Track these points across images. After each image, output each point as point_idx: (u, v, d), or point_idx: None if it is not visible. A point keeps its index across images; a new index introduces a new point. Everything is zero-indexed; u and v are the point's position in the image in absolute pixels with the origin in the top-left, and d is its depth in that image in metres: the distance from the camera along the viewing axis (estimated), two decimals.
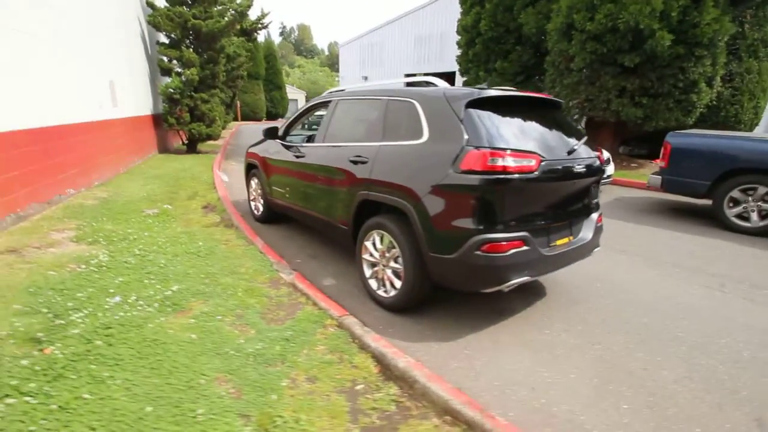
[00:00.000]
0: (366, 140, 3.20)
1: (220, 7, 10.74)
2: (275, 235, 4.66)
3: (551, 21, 9.43)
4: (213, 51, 10.44)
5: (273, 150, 4.60)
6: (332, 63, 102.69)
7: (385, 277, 3.01)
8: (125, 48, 8.51)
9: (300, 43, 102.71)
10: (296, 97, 56.14)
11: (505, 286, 2.52)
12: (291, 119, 4.51)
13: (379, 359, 2.32)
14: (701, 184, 5.53)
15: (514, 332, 2.78)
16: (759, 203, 5.16)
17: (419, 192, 2.63)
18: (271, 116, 36.96)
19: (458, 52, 13.53)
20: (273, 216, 5.04)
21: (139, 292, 2.91)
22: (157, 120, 10.64)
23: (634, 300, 3.26)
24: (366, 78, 27.20)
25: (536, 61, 11.00)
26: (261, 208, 5.12)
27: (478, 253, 2.43)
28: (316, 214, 3.81)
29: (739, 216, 5.31)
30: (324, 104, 4.13)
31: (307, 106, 4.30)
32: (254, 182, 5.22)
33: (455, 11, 19.93)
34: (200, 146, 11.99)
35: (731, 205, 5.36)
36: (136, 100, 9.10)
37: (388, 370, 2.26)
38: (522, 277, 2.53)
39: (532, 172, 2.45)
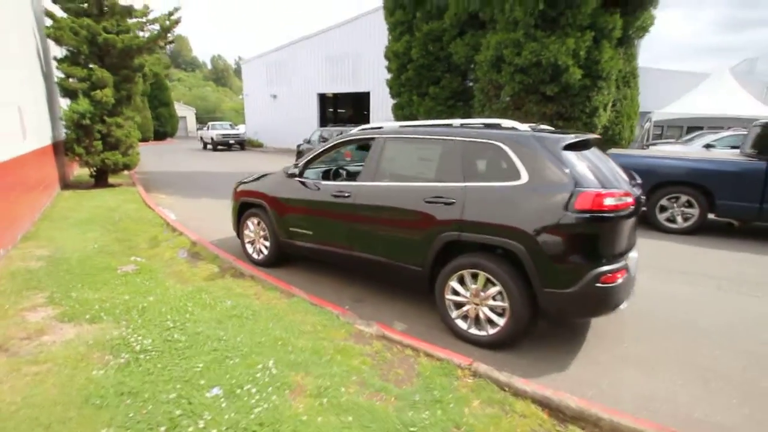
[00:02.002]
0: (443, 181, 3.21)
1: (135, 20, 9.46)
2: (294, 279, 4.29)
3: (481, 53, 10.44)
4: (129, 69, 9.12)
5: (287, 189, 4.27)
6: (217, 77, 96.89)
7: (482, 316, 3.05)
8: (28, 67, 6.95)
9: (177, 55, 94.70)
10: (185, 114, 51.44)
11: (615, 311, 2.80)
12: (311, 157, 4.23)
13: (544, 403, 2.36)
14: None
15: (603, 350, 3.06)
16: (682, 209, 6.45)
17: (531, 232, 2.76)
18: (159, 136, 33.26)
19: (388, 76, 14.04)
20: (279, 259, 4.64)
21: (235, 376, 2.45)
22: (58, 150, 8.84)
23: (670, 305, 3.82)
24: (275, 96, 26.39)
25: (465, 88, 12.02)
26: (264, 251, 4.67)
27: (598, 285, 2.67)
28: (368, 257, 3.65)
29: (668, 219, 6.56)
30: (357, 142, 4.01)
31: (333, 143, 4.10)
32: (251, 223, 4.74)
33: (368, 33, 20.72)
34: (111, 178, 10.28)
35: (661, 211, 6.59)
36: (39, 128, 7.47)
37: (560, 413, 2.31)
38: (626, 300, 2.83)
39: (629, 207, 2.76)
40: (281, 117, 26.07)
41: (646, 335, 3.27)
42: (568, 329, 3.35)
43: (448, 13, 11.08)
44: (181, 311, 3.33)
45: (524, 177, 2.88)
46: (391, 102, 18.84)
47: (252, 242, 4.83)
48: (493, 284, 2.95)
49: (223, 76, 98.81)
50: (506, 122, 3.30)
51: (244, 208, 4.83)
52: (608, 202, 2.67)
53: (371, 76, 20.78)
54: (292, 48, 24.74)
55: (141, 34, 8.93)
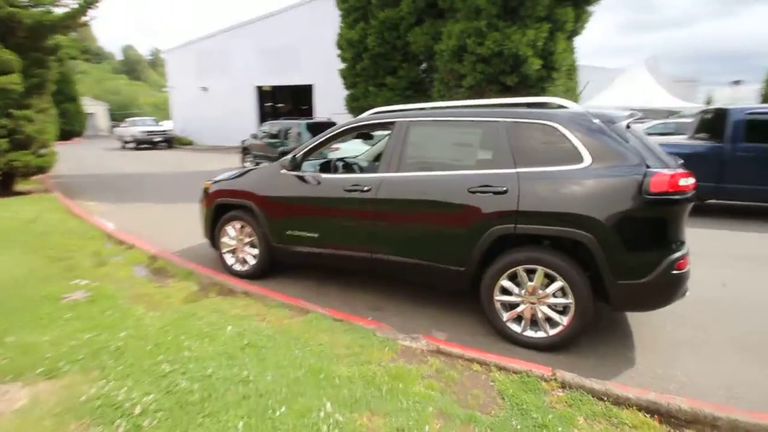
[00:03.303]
0: (488, 167, 2.81)
1: None
2: (292, 291, 3.65)
3: (441, 42, 10.23)
4: (40, 51, 7.53)
5: (283, 185, 3.60)
6: (129, 70, 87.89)
7: (540, 316, 2.73)
8: None
9: (80, 45, 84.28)
10: (94, 111, 45.92)
11: (683, 298, 2.63)
12: (309, 147, 3.59)
13: (652, 409, 2.09)
14: None
15: (652, 336, 2.94)
16: None
17: (602, 219, 2.49)
18: (65, 135, 29.15)
19: (334, 66, 13.41)
20: (269, 268, 3.96)
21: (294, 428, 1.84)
22: None
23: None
24: (206, 89, 24.29)
25: (422, 78, 11.77)
26: (251, 260, 3.95)
27: (673, 272, 2.50)
28: (396, 259, 3.15)
29: None
30: (369, 128, 3.48)
31: (338, 130, 3.51)
32: (232, 229, 3.99)
33: (310, 21, 19.73)
34: (19, 184, 8.48)
35: None
36: None
37: (671, 418, 2.04)
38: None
39: (693, 189, 2.58)
40: (214, 111, 24.02)
41: (681, 317, 3.18)
42: (606, 318, 3.16)
43: (404, 0, 10.71)
44: (173, 348, 2.57)
45: (587, 159, 2.59)
46: (336, 94, 18.19)
47: (233, 251, 4.06)
48: (553, 280, 2.66)
49: (137, 68, 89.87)
50: (554, 100, 2.99)
51: (222, 211, 4.04)
52: (682, 182, 2.49)
53: (314, 67, 19.84)
54: (225, 36, 22.84)
55: (55, 9, 7.39)
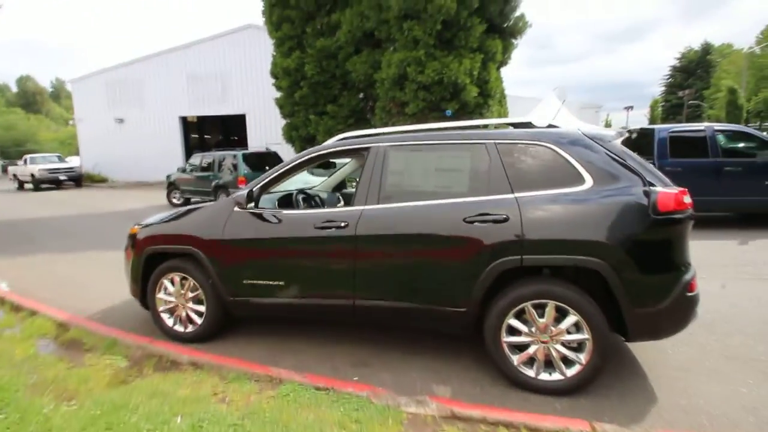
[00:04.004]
0: (482, 194, 2.52)
1: None
2: (251, 353, 3.02)
3: (381, 71, 10.25)
4: None
5: (237, 225, 3.01)
6: (27, 102, 78.85)
7: (554, 355, 2.43)
8: None
9: None
10: None
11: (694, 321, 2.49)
12: (267, 179, 3.06)
13: None
14: None
15: (654, 362, 2.79)
16: None
17: (615, 244, 2.30)
18: None
19: (270, 95, 12.92)
20: (221, 327, 3.29)
21: None
22: None
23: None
24: (121, 121, 22.22)
25: (364, 106, 11.67)
26: (197, 319, 3.24)
27: (687, 294, 2.37)
28: (382, 305, 2.71)
29: None
30: (337, 155, 3.06)
31: (302, 158, 3.03)
32: (171, 283, 3.27)
33: (239, 50, 19.05)
34: None
35: None
36: None
37: None
38: None
39: (692, 207, 2.51)
40: (131, 145, 21.91)
41: (675, 336, 3.09)
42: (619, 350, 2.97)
43: (341, 30, 10.66)
44: None
45: (588, 180, 2.42)
46: (271, 124, 17.58)
47: (173, 310, 3.31)
48: (564, 314, 2.40)
49: (36, 101, 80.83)
50: (538, 119, 2.82)
51: (155, 261, 3.30)
52: (686, 200, 2.40)
53: (246, 96, 19.08)
54: (143, 64, 21.19)
55: None
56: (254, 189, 2.99)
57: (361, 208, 2.73)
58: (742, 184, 6.71)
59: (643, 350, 2.97)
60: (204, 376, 2.65)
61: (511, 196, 2.47)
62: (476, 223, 2.47)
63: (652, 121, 24.93)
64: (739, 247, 5.80)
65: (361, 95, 11.69)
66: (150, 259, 3.32)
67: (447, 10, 9.24)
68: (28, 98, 79.72)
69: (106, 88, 22.19)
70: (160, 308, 3.34)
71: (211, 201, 11.50)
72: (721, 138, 6.91)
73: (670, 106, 51.39)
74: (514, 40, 11.44)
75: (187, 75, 20.28)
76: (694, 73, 52.42)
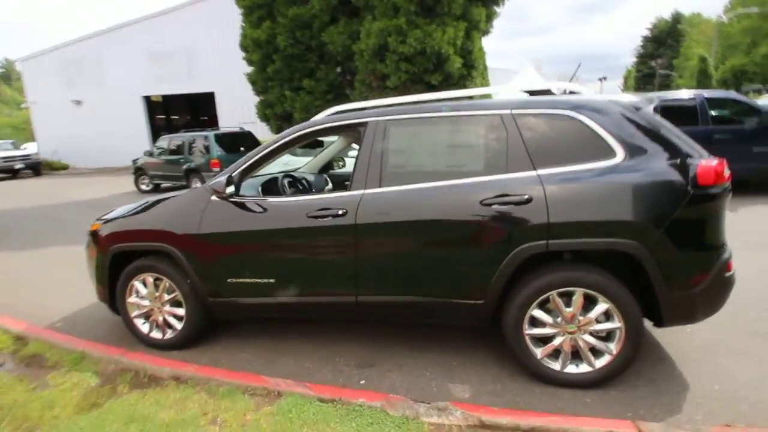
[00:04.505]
0: (499, 171, 2.22)
1: None
2: (245, 360, 2.70)
3: (360, 41, 9.64)
4: None
5: (217, 217, 2.62)
6: None
7: (582, 346, 2.22)
8: None
9: None
10: None
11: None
12: (249, 162, 2.65)
13: None
14: None
15: (676, 342, 2.62)
16: None
17: (651, 223, 2.06)
18: None
19: (241, 70, 12.09)
20: (204, 331, 2.94)
21: None
22: None
23: None
24: (79, 103, 20.69)
25: (342, 80, 11.06)
26: (176, 324, 2.87)
27: (725, 274, 2.17)
28: (389, 300, 2.41)
29: None
30: (328, 132, 2.68)
31: (287, 138, 2.62)
32: (143, 285, 2.87)
33: (204, 22, 17.78)
34: None
35: None
36: None
37: None
38: None
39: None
40: (92, 129, 20.48)
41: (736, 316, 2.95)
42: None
43: None
44: None
45: (619, 153, 2.15)
46: (244, 102, 16.68)
47: (148, 314, 2.93)
48: (593, 302, 2.17)
49: None
50: (562, 85, 2.51)
51: (122, 261, 2.88)
52: (726, 172, 2.16)
53: (215, 72, 17.98)
54: (100, 40, 19.58)
55: None
56: (234, 174, 2.59)
57: (361, 192, 2.38)
58: (731, 150, 6.65)
59: (662, 331, 2.79)
60: (190, 392, 2.31)
61: (533, 173, 2.18)
62: (495, 206, 2.17)
63: (626, 91, 25.05)
64: (733, 216, 5.77)
65: (339, 69, 11.06)
66: (117, 259, 2.89)
67: None
68: None
69: (60, 67, 20.49)
70: (133, 313, 2.95)
71: (183, 186, 10.92)
72: (710, 105, 6.80)
73: (642, 76, 52.13)
74: (496, 8, 10.97)
75: (149, 51, 18.88)
76: (664, 42, 53.12)
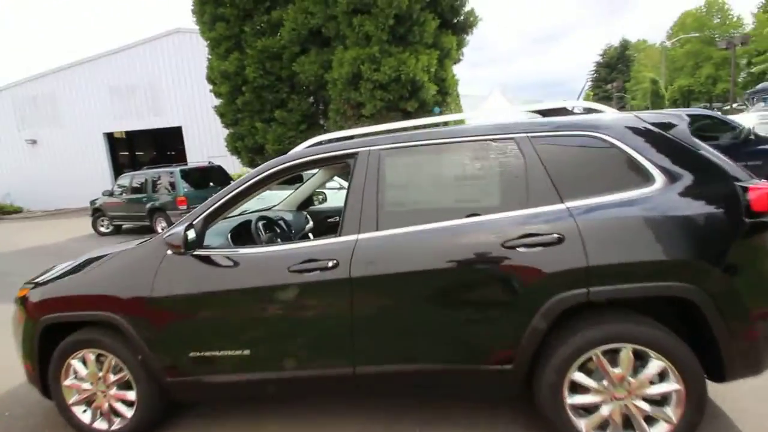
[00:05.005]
0: (522, 206, 1.86)
1: None
2: None
3: (333, 70, 9.45)
4: None
5: (171, 276, 2.12)
6: None
7: (636, 415, 1.82)
8: None
9: None
10: None
11: None
12: (214, 206, 2.18)
13: None
14: None
15: (742, 392, 2.25)
16: None
17: (709, 261, 1.74)
18: None
19: (216, 101, 11.64)
20: (160, 418, 2.37)
21: None
22: None
23: None
24: (34, 142, 19.57)
25: (315, 110, 10.80)
26: (125, 411, 2.28)
27: None
28: (389, 370, 1.95)
29: None
30: (305, 166, 2.26)
31: (256, 177, 2.17)
32: (83, 363, 2.30)
33: (167, 57, 17.32)
34: None
35: None
36: None
37: None
38: None
39: None
40: (49, 169, 19.30)
41: None
42: None
43: (284, 29, 9.72)
44: None
45: (659, 179, 1.84)
46: (212, 135, 16.15)
47: (90, 400, 2.33)
48: (645, 359, 1.79)
49: None
50: (579, 103, 2.21)
51: (55, 334, 2.31)
52: None
53: (180, 106, 17.43)
54: (57, 77, 18.72)
55: None
56: (195, 222, 2.11)
57: (354, 237, 1.95)
58: None
59: None
60: None
61: (560, 206, 1.82)
62: (520, 248, 1.79)
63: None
64: None
65: (312, 98, 10.81)
66: (48, 332, 2.31)
67: (398, 3, 8.64)
68: None
69: (13, 106, 19.41)
70: (71, 400, 2.35)
71: (146, 227, 10.15)
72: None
73: (598, 99, 55.20)
74: (466, 36, 11.12)
75: (109, 86, 18.17)
76: (615, 67, 56.67)
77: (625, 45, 58.32)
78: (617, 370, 1.80)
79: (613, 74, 56.10)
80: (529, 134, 1.93)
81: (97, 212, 11.26)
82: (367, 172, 2.01)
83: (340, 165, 2.26)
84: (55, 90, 18.70)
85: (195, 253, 2.09)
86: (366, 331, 1.93)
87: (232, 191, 2.18)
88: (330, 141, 2.27)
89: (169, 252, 2.09)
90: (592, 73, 59.71)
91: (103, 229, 11.20)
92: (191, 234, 2.04)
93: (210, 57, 10.81)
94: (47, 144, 19.39)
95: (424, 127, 2.29)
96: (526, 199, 1.86)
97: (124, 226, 11.05)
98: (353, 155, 2.08)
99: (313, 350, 2.02)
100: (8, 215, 18.93)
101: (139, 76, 17.70)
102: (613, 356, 1.80)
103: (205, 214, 2.15)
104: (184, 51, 16.36)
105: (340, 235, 1.97)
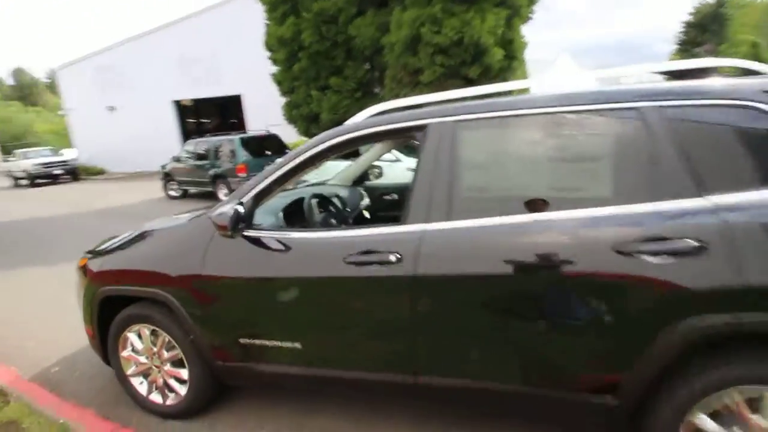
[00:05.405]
0: (642, 198, 1.44)
1: None
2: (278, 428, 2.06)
3: (391, 34, 8.93)
4: None
5: (218, 256, 1.98)
6: (23, 95, 77.69)
7: None
8: None
9: None
10: None
11: None
12: (266, 182, 1.98)
13: None
14: None
15: None
16: None
17: None
18: None
19: (267, 70, 11.63)
20: (213, 398, 2.32)
21: None
22: None
23: None
24: (113, 108, 21.01)
25: (371, 77, 10.41)
26: (179, 389, 2.26)
27: None
28: (467, 384, 1.69)
29: None
30: (368, 139, 1.97)
31: (316, 149, 1.92)
32: (137, 337, 2.29)
33: (229, 25, 17.54)
34: None
35: None
36: None
37: None
38: None
39: None
40: (126, 134, 20.78)
41: None
42: None
43: None
44: None
45: None
46: (271, 104, 16.31)
47: (147, 373, 2.34)
48: None
49: (32, 92, 79.58)
50: (725, 61, 1.70)
51: (114, 306, 2.30)
52: None
53: (241, 75, 17.71)
54: (129, 47, 19.78)
55: None
56: (245, 200, 1.93)
57: (420, 228, 1.66)
58: None
59: None
60: None
61: (700, 202, 1.38)
62: (642, 256, 1.39)
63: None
64: None
65: (368, 65, 10.40)
66: (106, 304, 2.32)
67: None
68: (24, 90, 78.32)
69: (94, 74, 20.90)
70: (128, 371, 2.37)
71: (210, 193, 10.58)
72: None
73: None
74: None
75: (178, 55, 18.86)
76: (708, 28, 49.35)
77: (721, 2, 50.46)
78: (757, 419, 1.39)
79: (705, 35, 49.01)
80: (658, 102, 1.48)
81: (167, 177, 11.91)
82: (438, 149, 1.68)
83: (405, 139, 1.95)
84: (128, 59, 19.79)
85: (244, 233, 1.92)
86: (432, 337, 1.67)
87: (285, 166, 1.97)
88: (393, 110, 1.95)
89: (218, 233, 1.94)
90: (680, 34, 52.59)
91: (172, 193, 11.87)
92: (241, 210, 1.85)
93: (268, 22, 10.69)
94: (124, 110, 20.78)
95: (499, 94, 1.89)
96: (650, 190, 1.44)
97: (190, 191, 11.61)
98: (422, 127, 1.75)
99: (370, 352, 1.82)
100: (92, 176, 20.84)
101: (202, 45, 18.15)
102: (755, 401, 1.39)
103: (255, 191, 1.96)
104: (243, 18, 16.39)
105: (404, 224, 1.69)
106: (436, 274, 1.60)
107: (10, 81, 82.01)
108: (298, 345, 1.88)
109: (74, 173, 19.75)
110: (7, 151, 40.58)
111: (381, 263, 1.66)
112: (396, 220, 1.79)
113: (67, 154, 22.08)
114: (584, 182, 1.61)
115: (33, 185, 18.43)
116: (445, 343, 1.66)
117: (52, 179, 19.09)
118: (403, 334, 1.70)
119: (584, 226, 1.47)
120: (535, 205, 1.54)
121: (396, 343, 1.73)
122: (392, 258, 1.64)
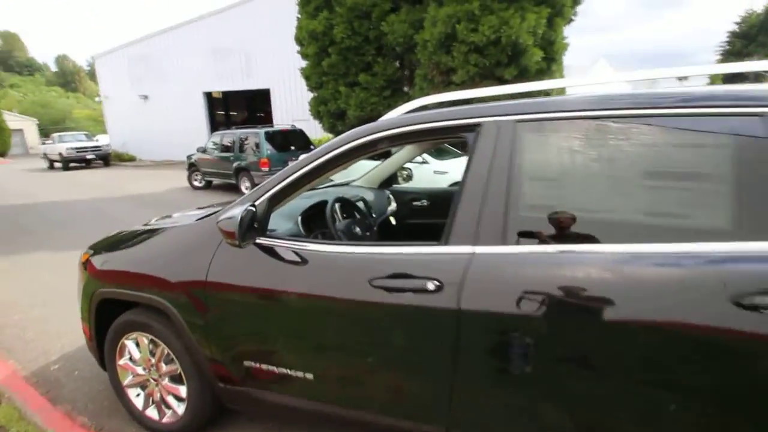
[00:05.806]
0: None
1: None
2: None
3: (425, 30, 8.60)
4: None
5: (227, 263, 1.72)
6: (65, 81, 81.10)
7: None
8: None
9: (8, 56, 76.61)
10: (21, 127, 41.34)
11: None
12: (281, 184, 1.71)
13: None
14: None
15: None
16: None
17: None
18: None
19: (296, 65, 11.51)
20: (211, 418, 2.06)
21: None
22: None
23: None
24: (146, 98, 21.46)
25: (401, 75, 10.10)
26: (176, 406, 2.02)
27: None
28: None
29: None
30: (404, 138, 1.67)
31: (342, 147, 1.64)
32: (135, 345, 2.06)
33: (261, 18, 17.57)
34: None
35: None
36: None
37: None
38: None
39: None
40: (157, 123, 21.22)
41: None
42: None
43: None
44: None
45: None
46: (298, 99, 16.22)
47: (144, 385, 2.11)
48: None
49: (74, 79, 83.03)
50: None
51: (112, 310, 2.08)
52: None
53: (270, 69, 17.73)
54: (164, 37, 20.14)
55: None
56: (258, 203, 1.66)
57: (468, 250, 1.34)
58: None
59: None
60: None
61: None
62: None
63: None
64: None
65: (398, 62, 10.09)
66: (103, 307, 2.10)
67: None
68: (67, 77, 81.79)
69: (129, 63, 21.40)
70: (125, 381, 2.16)
71: (232, 185, 10.52)
72: None
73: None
74: None
75: (210, 47, 19.04)
76: (755, 39, 46.65)
77: None
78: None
79: (751, 47, 46.34)
80: None
81: (192, 167, 11.95)
82: (494, 154, 1.36)
83: (451, 140, 1.64)
84: (162, 49, 20.14)
85: (256, 241, 1.66)
86: (474, 389, 1.35)
87: (306, 166, 1.68)
88: (438, 105, 1.64)
89: (226, 242, 1.67)
90: (724, 45, 49.98)
91: (196, 183, 11.91)
92: (252, 215, 1.59)
93: (299, 16, 10.52)
94: (156, 100, 21.18)
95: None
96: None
97: (214, 182, 11.61)
98: (473, 126, 1.44)
99: (394, 395, 1.51)
100: (124, 162, 21.36)
101: (234, 38, 18.24)
102: None
103: (270, 193, 1.69)
104: (274, 12, 16.37)
105: (446, 244, 1.38)
106: (485, 311, 1.28)
107: (53, 68, 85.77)
108: (310, 376, 1.60)
109: (106, 159, 20.29)
110: (46, 135, 42.45)
111: (415, 291, 1.36)
112: (432, 235, 1.49)
113: (102, 140, 22.76)
114: (687, 207, 1.26)
115: (66, 168, 19.01)
116: (491, 399, 1.34)
117: (85, 163, 19.67)
118: (437, 378, 1.39)
119: (686, 264, 1.13)
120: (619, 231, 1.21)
121: (427, 389, 1.43)
122: (430, 286, 1.33)
